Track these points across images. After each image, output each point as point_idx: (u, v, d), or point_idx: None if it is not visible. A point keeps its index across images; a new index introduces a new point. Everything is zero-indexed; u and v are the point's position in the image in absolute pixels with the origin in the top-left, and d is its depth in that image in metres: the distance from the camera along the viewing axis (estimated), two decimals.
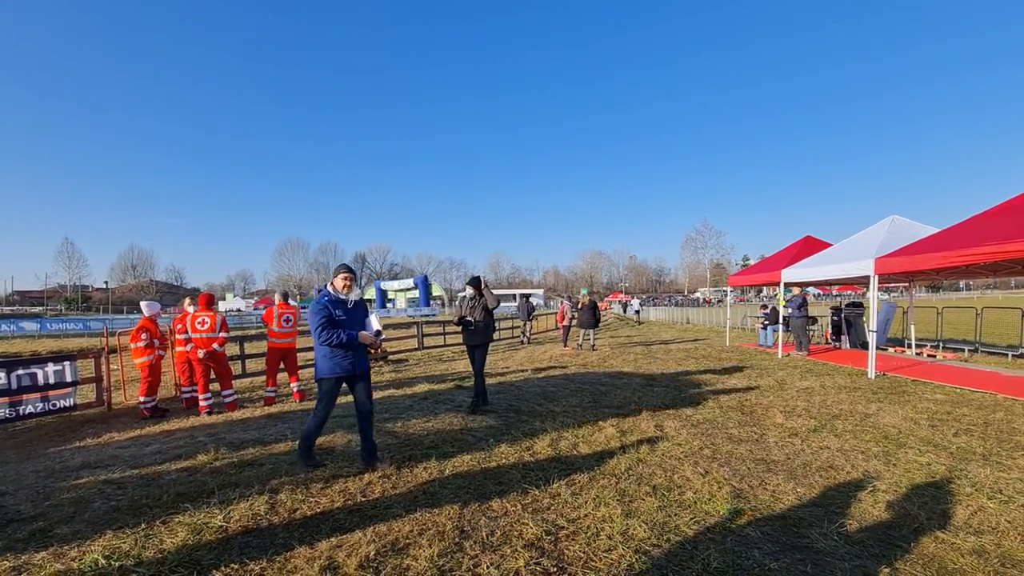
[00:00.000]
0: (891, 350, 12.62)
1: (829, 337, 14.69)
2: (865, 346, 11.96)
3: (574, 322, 14.72)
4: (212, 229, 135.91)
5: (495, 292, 6.61)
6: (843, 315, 13.75)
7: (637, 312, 35.77)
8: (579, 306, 14.24)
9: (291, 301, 7.72)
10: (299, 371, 7.79)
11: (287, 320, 7.42)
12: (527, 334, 17.46)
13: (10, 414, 6.24)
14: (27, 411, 6.38)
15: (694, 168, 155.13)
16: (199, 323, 6.75)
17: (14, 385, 6.28)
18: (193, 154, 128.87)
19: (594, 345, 14.40)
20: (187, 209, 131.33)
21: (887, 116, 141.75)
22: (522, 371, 9.99)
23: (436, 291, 66.83)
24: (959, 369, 9.52)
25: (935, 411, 6.19)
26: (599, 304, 15.10)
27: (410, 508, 3.41)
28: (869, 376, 8.72)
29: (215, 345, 6.75)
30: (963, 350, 12.05)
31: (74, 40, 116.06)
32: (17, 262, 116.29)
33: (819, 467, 4.27)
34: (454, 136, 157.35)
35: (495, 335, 10.74)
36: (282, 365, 7.50)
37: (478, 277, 6.58)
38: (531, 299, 18.97)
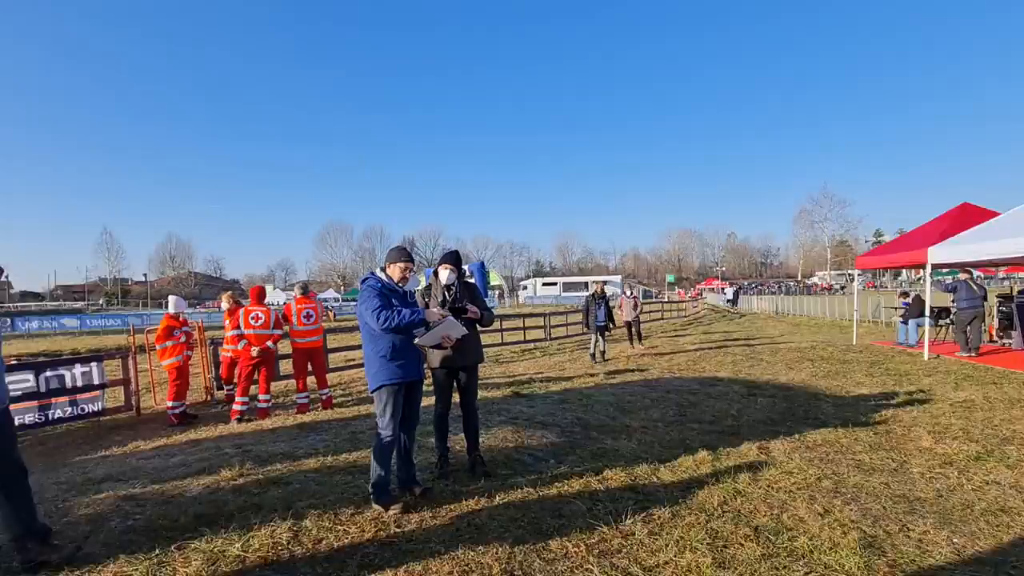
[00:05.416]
0: None
1: (995, 334, 13.40)
2: None
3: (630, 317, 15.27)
4: (251, 214, 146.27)
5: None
6: (1015, 304, 12.43)
7: (729, 301, 34.99)
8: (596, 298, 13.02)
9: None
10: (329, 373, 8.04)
11: (308, 316, 7.60)
12: None
13: (40, 419, 6.91)
14: (56, 415, 7.05)
15: (810, 121, 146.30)
16: (252, 318, 7.06)
17: (43, 388, 6.95)
18: (229, 132, 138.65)
19: (604, 352, 13.05)
20: (224, 193, 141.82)
21: None
22: (592, 375, 9.81)
23: (495, 279, 67.56)
24: None
25: None
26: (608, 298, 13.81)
27: (451, 544, 3.35)
28: None
29: (269, 343, 7.05)
30: None
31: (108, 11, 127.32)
32: (59, 253, 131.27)
33: (985, 509, 3.82)
34: (515, 104, 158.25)
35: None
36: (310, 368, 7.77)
37: (456, 252, 4.84)
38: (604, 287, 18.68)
